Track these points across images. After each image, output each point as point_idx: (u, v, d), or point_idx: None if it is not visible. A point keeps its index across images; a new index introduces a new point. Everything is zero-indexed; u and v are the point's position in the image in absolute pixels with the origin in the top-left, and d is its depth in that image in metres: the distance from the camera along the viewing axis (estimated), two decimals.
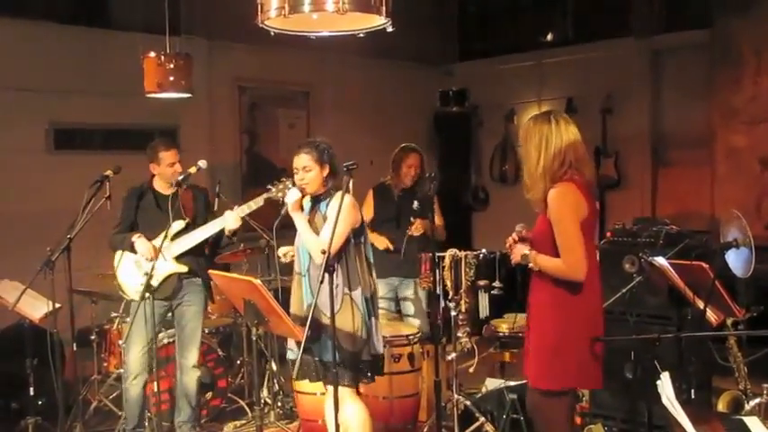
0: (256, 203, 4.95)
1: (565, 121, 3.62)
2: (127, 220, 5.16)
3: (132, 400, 5.08)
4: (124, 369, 5.11)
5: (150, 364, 5.04)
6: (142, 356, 5.05)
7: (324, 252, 3.82)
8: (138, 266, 5.04)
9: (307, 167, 4.22)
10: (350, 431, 4.25)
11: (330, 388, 4.20)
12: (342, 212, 4.03)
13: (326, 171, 4.25)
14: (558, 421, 3.67)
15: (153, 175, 5.19)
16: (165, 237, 4.82)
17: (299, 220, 4.23)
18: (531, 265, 3.61)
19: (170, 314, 5.25)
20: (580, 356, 3.57)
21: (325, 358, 4.16)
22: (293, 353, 4.33)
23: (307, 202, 4.36)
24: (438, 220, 5.84)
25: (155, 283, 4.93)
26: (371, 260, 4.36)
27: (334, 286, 4.06)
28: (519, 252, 3.66)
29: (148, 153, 5.14)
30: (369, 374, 4.27)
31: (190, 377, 5.19)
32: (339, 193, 4.08)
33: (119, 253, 5.12)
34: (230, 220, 4.97)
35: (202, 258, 5.19)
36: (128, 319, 5.29)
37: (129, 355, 5.05)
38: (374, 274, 4.37)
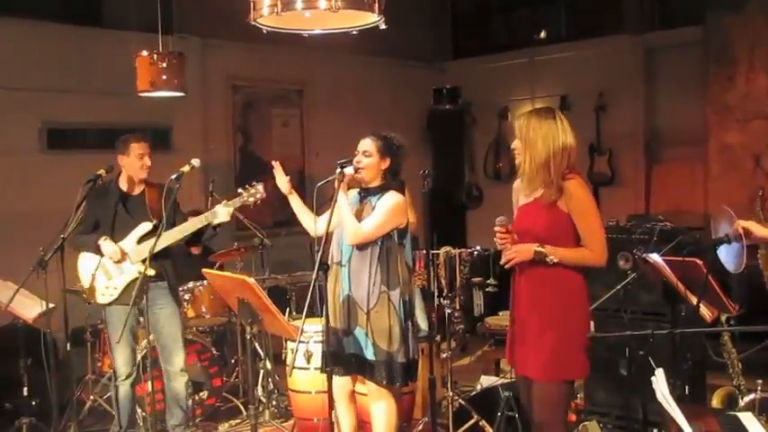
0: (235, 204, 4.85)
1: (566, 121, 3.62)
2: (90, 220, 4.97)
3: (121, 400, 5.02)
4: (113, 371, 5.05)
5: (144, 364, 4.98)
6: (130, 359, 5.01)
7: (357, 237, 3.99)
8: (104, 269, 4.94)
9: (367, 152, 4.20)
10: (375, 426, 4.27)
11: (371, 385, 4.20)
12: (390, 208, 4.10)
13: (386, 164, 4.22)
14: (564, 408, 3.70)
15: (119, 174, 5.04)
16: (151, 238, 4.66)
17: (342, 198, 4.12)
18: (549, 258, 3.51)
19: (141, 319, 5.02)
20: (587, 345, 3.61)
21: (361, 354, 4.15)
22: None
23: (355, 195, 4.31)
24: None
25: (120, 286, 4.90)
26: (410, 265, 4.31)
27: (372, 283, 4.05)
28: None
29: (119, 146, 4.99)
30: (401, 377, 4.16)
31: (178, 382, 5.10)
32: (393, 191, 4.14)
33: (82, 255, 5.00)
34: (223, 214, 4.82)
35: (168, 261, 5.03)
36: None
37: (118, 359, 4.99)
38: (413, 280, 4.32)
